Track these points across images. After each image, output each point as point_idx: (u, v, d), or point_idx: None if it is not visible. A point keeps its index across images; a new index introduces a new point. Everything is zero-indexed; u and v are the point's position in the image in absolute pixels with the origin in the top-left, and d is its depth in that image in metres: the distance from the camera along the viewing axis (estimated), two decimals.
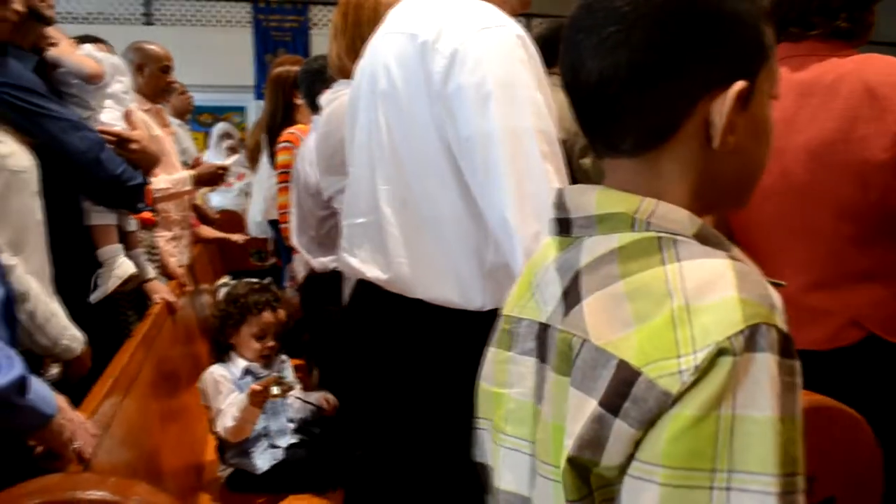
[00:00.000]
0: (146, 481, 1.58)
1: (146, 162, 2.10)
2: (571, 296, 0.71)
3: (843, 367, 1.44)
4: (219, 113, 8.50)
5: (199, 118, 8.02)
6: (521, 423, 0.78)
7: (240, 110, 9.07)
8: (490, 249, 1.24)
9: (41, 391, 1.06)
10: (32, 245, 1.60)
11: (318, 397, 2.40)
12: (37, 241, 1.63)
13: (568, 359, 0.68)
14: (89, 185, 1.91)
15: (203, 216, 4.21)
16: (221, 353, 2.35)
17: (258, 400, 2.11)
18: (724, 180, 0.74)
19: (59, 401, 1.15)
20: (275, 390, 2.15)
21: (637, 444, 0.62)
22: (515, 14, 1.33)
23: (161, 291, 2.42)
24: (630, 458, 0.62)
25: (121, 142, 2.02)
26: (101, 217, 2.05)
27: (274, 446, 2.25)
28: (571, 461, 0.65)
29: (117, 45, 3.05)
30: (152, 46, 3.16)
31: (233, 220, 4.76)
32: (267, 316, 2.37)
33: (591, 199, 0.74)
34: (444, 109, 1.20)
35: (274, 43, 8.94)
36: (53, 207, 1.73)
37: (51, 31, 2.09)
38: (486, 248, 1.25)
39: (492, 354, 0.87)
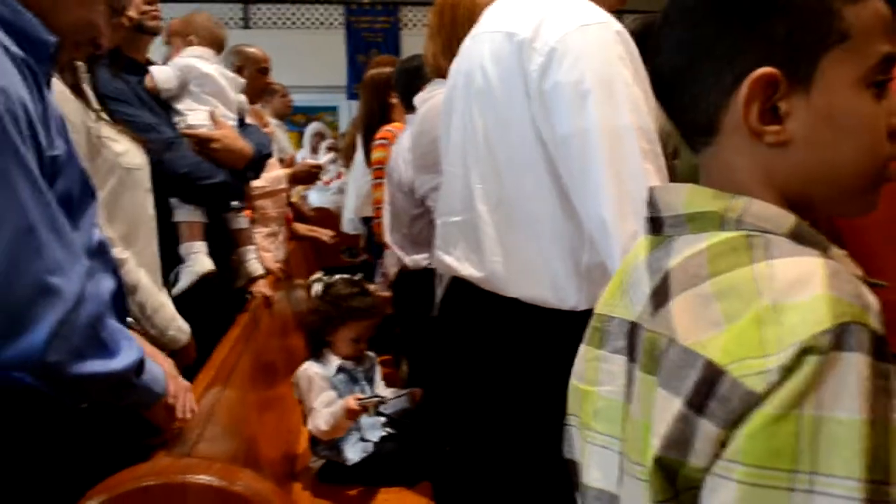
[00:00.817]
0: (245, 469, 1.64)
1: (231, 160, 2.15)
2: (660, 295, 0.71)
3: None
4: (311, 113, 8.69)
5: (293, 118, 8.22)
6: (610, 422, 0.78)
7: (332, 110, 9.28)
8: (586, 249, 1.23)
9: (154, 371, 1.13)
10: (144, 240, 1.69)
11: (406, 393, 2.43)
12: (148, 235, 1.72)
13: (655, 358, 0.68)
14: (162, 183, 1.98)
15: (298, 213, 4.34)
16: (316, 350, 2.40)
17: (353, 416, 2.16)
18: (804, 177, 0.71)
19: (167, 366, 1.22)
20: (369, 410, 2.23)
21: (723, 444, 0.60)
22: (613, 10, 1.32)
23: (259, 285, 2.51)
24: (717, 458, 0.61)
25: (201, 142, 2.09)
26: (183, 214, 2.12)
27: (364, 440, 2.30)
28: (658, 461, 0.64)
29: None
30: (251, 49, 3.27)
31: (328, 217, 4.89)
32: (368, 323, 2.41)
33: (681, 198, 0.73)
34: (540, 108, 1.19)
35: (366, 44, 9.10)
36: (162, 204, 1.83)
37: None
38: (581, 248, 1.24)
39: (583, 352, 0.87)
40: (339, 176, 5.61)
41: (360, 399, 2.15)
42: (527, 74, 1.20)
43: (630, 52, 1.20)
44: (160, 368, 1.17)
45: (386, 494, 2.17)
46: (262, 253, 2.91)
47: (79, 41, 1.14)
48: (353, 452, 2.25)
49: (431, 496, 2.15)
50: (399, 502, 2.13)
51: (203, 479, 0.92)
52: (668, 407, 0.64)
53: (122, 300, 1.22)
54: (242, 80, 2.40)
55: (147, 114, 1.98)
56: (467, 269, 1.35)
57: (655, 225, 0.77)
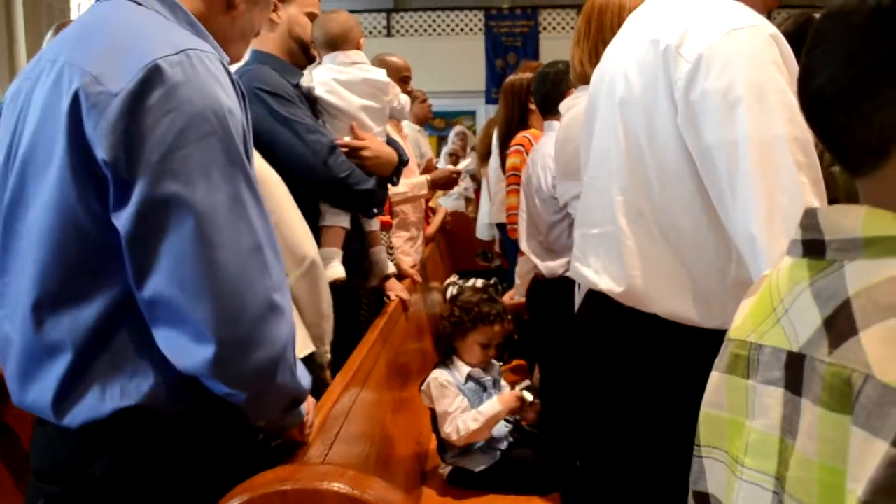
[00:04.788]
0: (378, 470, 1.66)
1: (380, 166, 2.17)
2: (839, 326, 0.66)
3: None
4: (450, 117, 8.84)
5: (433, 123, 8.39)
6: (763, 457, 0.74)
7: (471, 114, 9.38)
8: (733, 264, 1.17)
9: (304, 377, 1.13)
10: None
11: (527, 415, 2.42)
12: None
13: (843, 394, 0.63)
14: (317, 186, 2.03)
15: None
16: (445, 357, 2.41)
17: (516, 408, 2.25)
18: None
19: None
20: (528, 396, 2.30)
21: None
22: (768, 10, 1.25)
23: (396, 289, 2.55)
24: None
25: (352, 151, 2.12)
26: (334, 218, 2.15)
27: (492, 447, 2.29)
28: None
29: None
30: (393, 58, 3.34)
31: (463, 220, 4.96)
32: (497, 328, 2.41)
33: (855, 221, 0.69)
34: (686, 118, 1.14)
35: (505, 48, 9.14)
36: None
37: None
38: (728, 264, 1.18)
39: (720, 379, 0.84)
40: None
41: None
42: (672, 83, 1.16)
43: (785, 56, 1.12)
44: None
45: (516, 502, 2.15)
46: (401, 257, 2.97)
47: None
48: (482, 460, 2.25)
49: None
50: None
51: (336, 486, 0.93)
52: (869, 449, 0.60)
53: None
54: (384, 80, 2.30)
55: (310, 116, 2.06)
56: (606, 283, 1.31)
57: (814, 248, 0.72)
